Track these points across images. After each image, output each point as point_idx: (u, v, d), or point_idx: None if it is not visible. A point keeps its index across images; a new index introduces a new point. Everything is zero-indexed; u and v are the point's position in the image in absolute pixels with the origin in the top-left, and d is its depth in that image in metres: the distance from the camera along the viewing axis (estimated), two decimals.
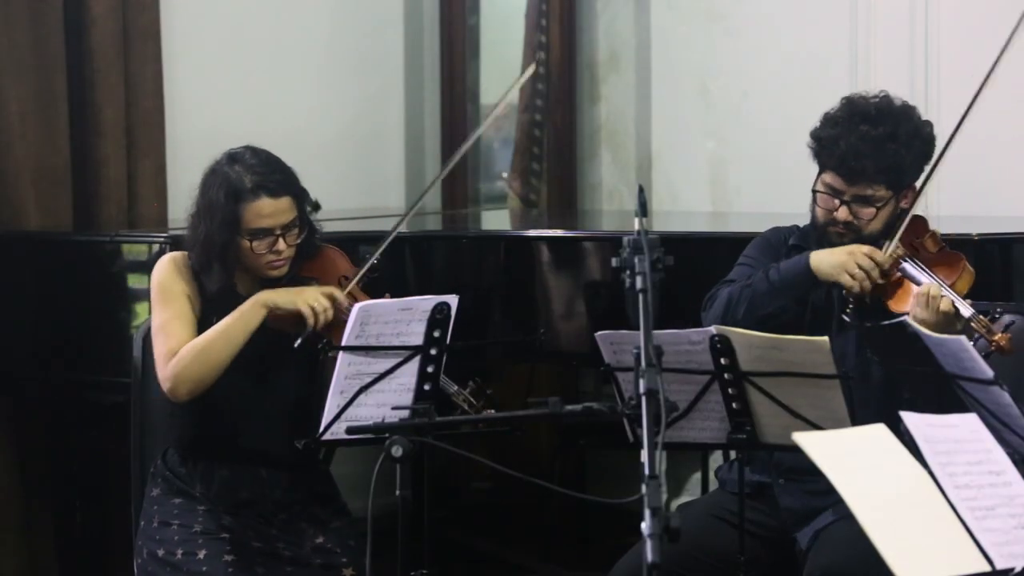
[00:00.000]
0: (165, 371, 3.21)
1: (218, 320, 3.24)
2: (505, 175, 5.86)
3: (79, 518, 4.51)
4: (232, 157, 3.27)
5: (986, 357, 2.96)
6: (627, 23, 5.60)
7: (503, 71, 5.88)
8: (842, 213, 3.24)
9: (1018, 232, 3.83)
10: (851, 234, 3.24)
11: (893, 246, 3.20)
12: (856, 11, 4.90)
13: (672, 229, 4.46)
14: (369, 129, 5.67)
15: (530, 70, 3.43)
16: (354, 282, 3.31)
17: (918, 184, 3.29)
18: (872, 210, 3.23)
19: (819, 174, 3.30)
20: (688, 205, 5.43)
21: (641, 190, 2.46)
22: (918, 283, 3.14)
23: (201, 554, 3.18)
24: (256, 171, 3.24)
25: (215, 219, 3.22)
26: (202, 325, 3.26)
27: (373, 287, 3.39)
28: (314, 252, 3.38)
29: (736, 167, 5.29)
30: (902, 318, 2.89)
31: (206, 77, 5.12)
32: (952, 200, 4.63)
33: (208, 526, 3.23)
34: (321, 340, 3.10)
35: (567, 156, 5.70)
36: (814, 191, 3.30)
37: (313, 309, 3.15)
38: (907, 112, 3.27)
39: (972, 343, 2.98)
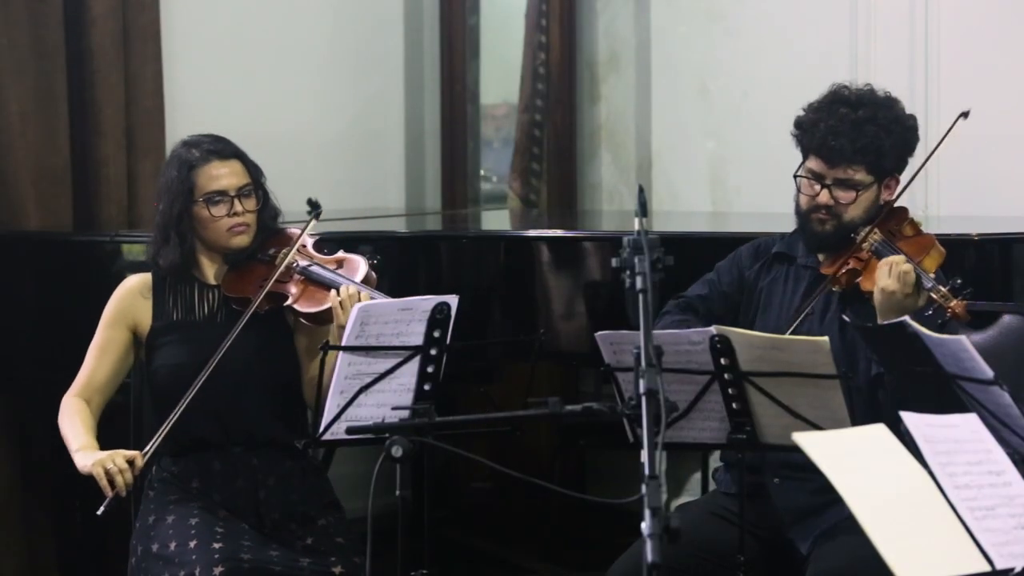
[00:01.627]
0: (63, 401, 3.37)
1: (179, 310, 3.37)
2: (495, 177, 5.87)
3: (79, 518, 4.51)
4: (185, 142, 3.44)
5: (942, 326, 3.00)
6: (627, 23, 5.60)
7: (503, 71, 5.88)
8: (823, 196, 3.25)
9: (1018, 232, 3.83)
10: (832, 220, 3.26)
11: (869, 230, 3.22)
12: (856, 11, 4.90)
13: (672, 229, 4.46)
14: (369, 129, 5.67)
15: None
16: (299, 237, 3.38)
17: (903, 177, 3.29)
18: (852, 194, 3.24)
19: (802, 163, 3.32)
20: (688, 205, 5.43)
21: (641, 190, 2.46)
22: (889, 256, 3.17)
23: (192, 544, 3.19)
24: (204, 141, 3.41)
25: (171, 193, 3.36)
26: (153, 337, 3.36)
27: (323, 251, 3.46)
28: (278, 232, 3.46)
29: (736, 167, 5.29)
30: (903, 318, 2.88)
31: (206, 77, 5.12)
32: (952, 200, 4.64)
33: (203, 520, 3.24)
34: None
35: (567, 156, 5.70)
36: (796, 176, 3.31)
37: (107, 470, 3.15)
38: (889, 101, 3.30)
39: (930, 312, 3.04)
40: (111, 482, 3.15)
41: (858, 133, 3.21)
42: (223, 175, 3.36)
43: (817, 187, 3.26)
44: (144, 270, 3.47)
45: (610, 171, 5.71)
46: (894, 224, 3.28)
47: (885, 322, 2.99)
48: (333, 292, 3.27)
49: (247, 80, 5.26)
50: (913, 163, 3.34)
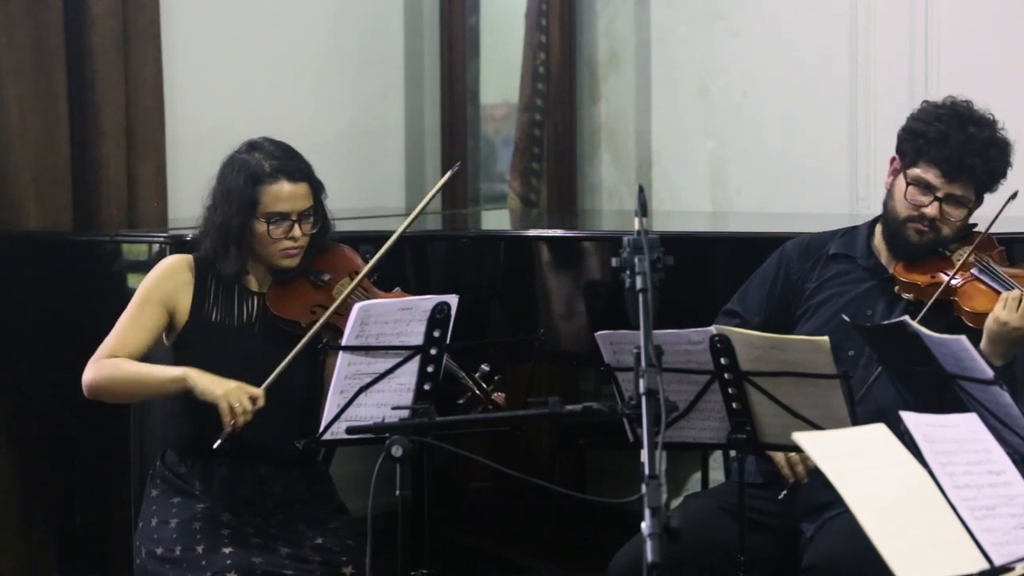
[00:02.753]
0: (91, 365, 3.25)
1: (218, 311, 3.28)
2: (495, 177, 5.87)
3: (79, 518, 4.51)
4: (251, 145, 3.33)
5: None
6: (627, 23, 5.60)
7: (503, 71, 5.88)
8: (932, 209, 3.22)
9: (1018, 232, 3.83)
10: (931, 233, 3.24)
11: (970, 252, 3.21)
12: (856, 11, 4.90)
13: (672, 229, 4.46)
14: (369, 129, 5.67)
15: (452, 171, 3.47)
16: (361, 275, 3.30)
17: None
18: (963, 211, 3.23)
19: (906, 167, 3.27)
20: (688, 205, 5.43)
21: (641, 190, 2.46)
22: (997, 287, 3.15)
23: (199, 548, 3.19)
24: (275, 156, 3.30)
25: (233, 203, 3.26)
26: (188, 332, 3.28)
27: (380, 284, 3.41)
28: (326, 247, 3.40)
29: (736, 167, 5.29)
30: (902, 318, 2.88)
31: (206, 77, 5.12)
32: None
33: (207, 523, 3.24)
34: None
35: (567, 156, 5.70)
36: (905, 181, 3.25)
37: (232, 408, 3.12)
38: (995, 123, 3.28)
39: None
40: (234, 420, 3.11)
41: (987, 156, 3.20)
42: (289, 197, 3.27)
43: (927, 198, 3.22)
44: (142, 270, 3.42)
45: (610, 171, 5.71)
46: (986, 249, 3.26)
47: (891, 320, 2.97)
48: None
49: (247, 80, 5.26)
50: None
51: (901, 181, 3.27)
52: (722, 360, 2.91)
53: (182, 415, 3.30)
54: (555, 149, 5.67)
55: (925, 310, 3.11)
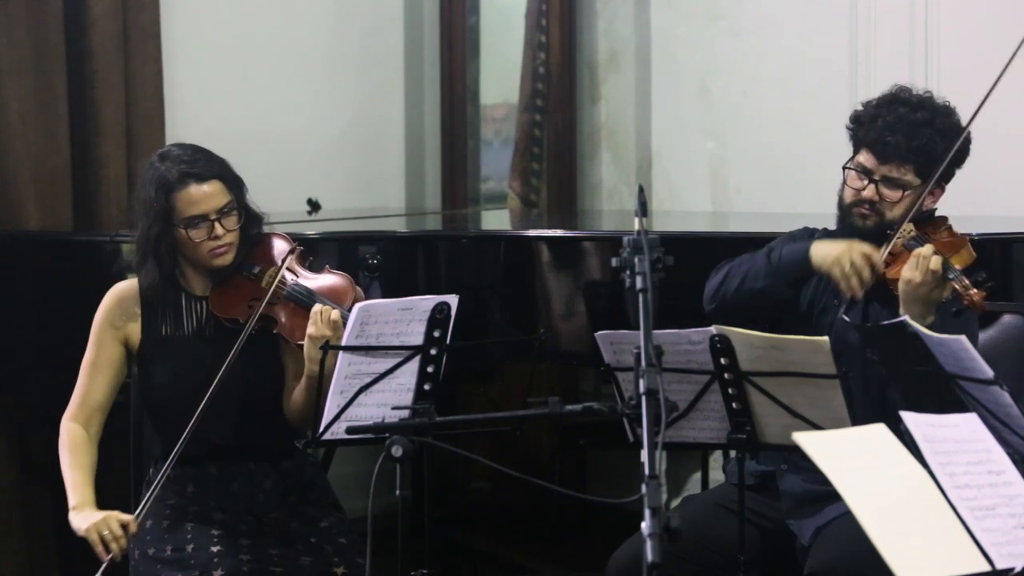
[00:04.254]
0: (61, 425, 3.35)
1: (167, 324, 3.34)
2: (495, 177, 5.87)
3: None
4: (161, 155, 3.35)
5: (957, 314, 3.05)
6: (627, 23, 5.60)
7: (503, 71, 5.88)
8: (869, 191, 3.26)
9: (1018, 232, 3.83)
10: (874, 216, 3.26)
11: (904, 227, 3.22)
12: (856, 11, 4.89)
13: (672, 229, 4.46)
14: (369, 129, 5.67)
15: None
16: (282, 264, 3.33)
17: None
18: (898, 193, 3.24)
19: (852, 156, 3.32)
20: (688, 205, 5.43)
21: (641, 190, 2.46)
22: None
23: (189, 548, 3.21)
24: (182, 160, 3.30)
25: (149, 215, 3.29)
26: (144, 352, 3.34)
27: (314, 268, 3.43)
28: (260, 239, 3.41)
29: (736, 167, 5.29)
30: (902, 318, 2.89)
31: (206, 77, 5.12)
32: (952, 200, 4.62)
33: (198, 522, 3.26)
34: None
35: (567, 156, 5.70)
36: (844, 168, 3.31)
37: (102, 538, 3.16)
38: (948, 110, 3.30)
39: (948, 299, 3.05)
40: (107, 549, 3.15)
41: (914, 133, 3.22)
42: (201, 199, 3.27)
43: (864, 181, 3.27)
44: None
45: (610, 171, 5.71)
46: (931, 227, 3.27)
47: (891, 320, 2.98)
48: (313, 311, 3.19)
49: (247, 80, 5.26)
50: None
51: (846, 169, 3.31)
52: (722, 360, 2.91)
53: (165, 429, 3.35)
54: (555, 149, 5.67)
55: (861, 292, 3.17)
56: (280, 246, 3.41)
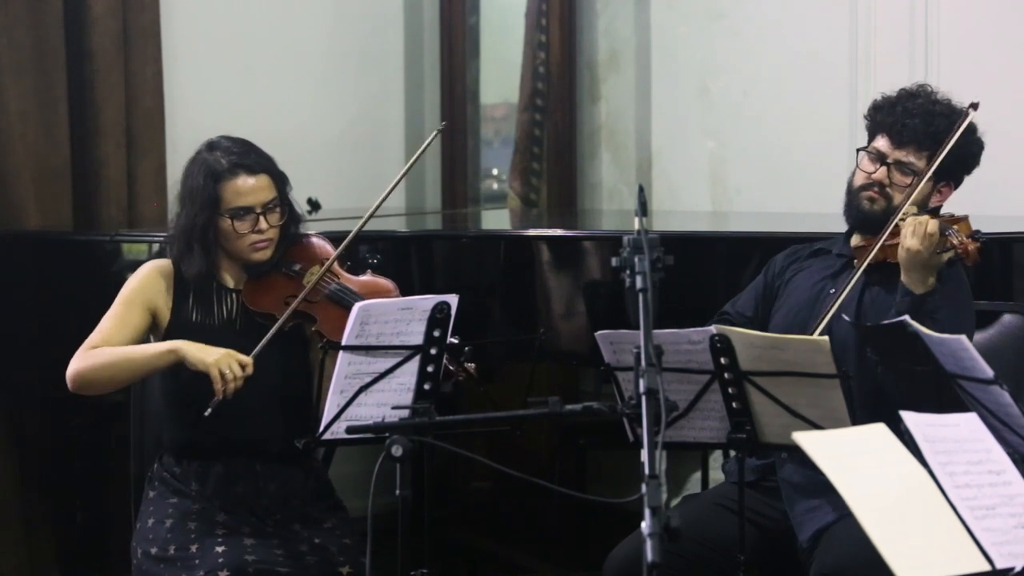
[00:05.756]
0: (75, 359, 3.25)
1: (197, 311, 3.30)
2: (495, 177, 5.87)
3: (79, 518, 4.51)
4: (210, 144, 3.35)
5: (949, 264, 3.08)
6: (627, 22, 5.60)
7: (503, 71, 5.89)
8: (880, 173, 3.29)
9: (1018, 232, 3.83)
10: (882, 200, 3.29)
11: (906, 211, 3.23)
12: (856, 11, 4.90)
13: (672, 229, 4.46)
14: (369, 129, 5.67)
15: (438, 131, 3.56)
16: (330, 261, 3.32)
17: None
18: (909, 178, 3.27)
19: (868, 143, 3.36)
20: (688, 205, 5.43)
21: (641, 190, 2.46)
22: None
23: (193, 547, 3.20)
24: (233, 151, 3.31)
25: (196, 203, 3.28)
26: (172, 335, 3.28)
27: (353, 271, 3.45)
28: (298, 239, 3.41)
29: (736, 167, 5.29)
30: (902, 318, 2.88)
31: (206, 77, 5.12)
32: (952, 200, 4.63)
33: (202, 522, 3.24)
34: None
35: (567, 156, 5.70)
36: (859, 151, 3.35)
37: (222, 374, 3.14)
38: (956, 110, 3.33)
39: (944, 251, 3.06)
40: (225, 386, 3.13)
41: (931, 121, 3.28)
42: (250, 190, 3.27)
43: (877, 164, 3.30)
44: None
45: (610, 171, 5.71)
46: (931, 213, 3.29)
47: (891, 320, 2.98)
48: None
49: (247, 80, 5.26)
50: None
51: (862, 156, 3.35)
52: (722, 360, 2.91)
53: (175, 419, 3.32)
54: (555, 149, 5.68)
55: (861, 269, 3.19)
56: (321, 246, 3.42)
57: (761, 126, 5.19)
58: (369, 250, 4.01)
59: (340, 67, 5.56)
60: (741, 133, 5.25)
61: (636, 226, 2.38)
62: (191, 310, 3.33)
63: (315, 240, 3.44)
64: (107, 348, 3.24)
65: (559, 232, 4.21)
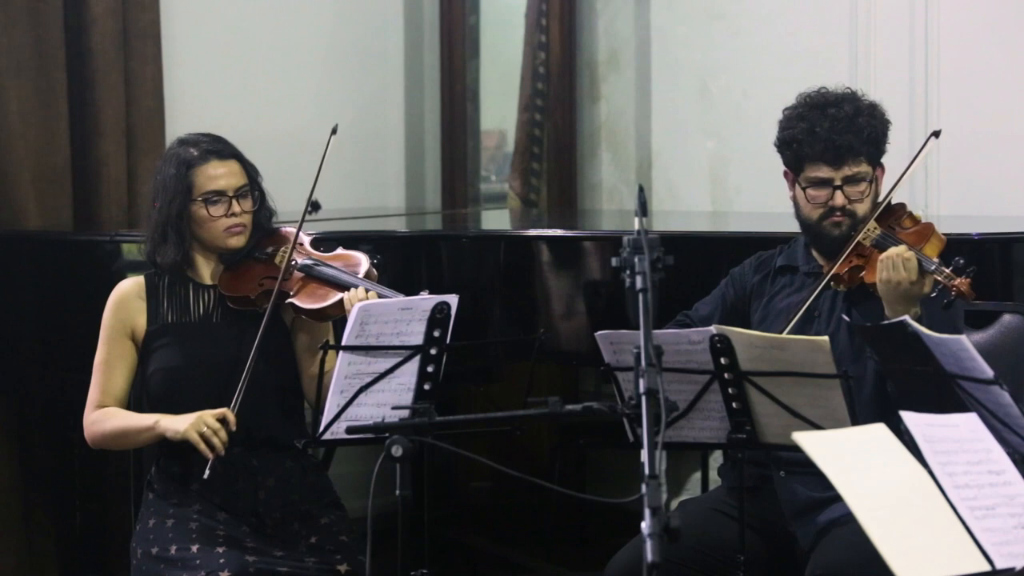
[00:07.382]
0: (86, 421, 3.37)
1: (173, 313, 3.37)
2: (495, 177, 5.87)
3: (79, 518, 4.51)
4: (180, 140, 3.45)
5: (948, 306, 3.06)
6: (627, 22, 5.60)
7: (503, 71, 5.89)
8: (838, 198, 3.27)
9: (1018, 232, 3.83)
10: (847, 219, 3.27)
11: (867, 225, 3.24)
12: (856, 11, 4.89)
13: (672, 229, 4.46)
14: (369, 129, 5.67)
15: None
16: (295, 236, 3.40)
17: (882, 178, 3.33)
18: (862, 186, 3.27)
19: (797, 176, 3.32)
20: (688, 205, 5.43)
21: (641, 190, 2.46)
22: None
23: (194, 548, 3.20)
24: (202, 141, 3.42)
25: (169, 191, 3.36)
26: (148, 340, 3.36)
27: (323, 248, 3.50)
28: (272, 231, 3.48)
29: (736, 167, 5.29)
30: (902, 318, 2.88)
31: (206, 77, 5.12)
32: (952, 200, 4.63)
33: (202, 522, 3.25)
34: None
35: (567, 156, 5.70)
36: (801, 187, 3.31)
37: (201, 435, 3.17)
38: (854, 95, 3.33)
39: (935, 294, 3.06)
40: (210, 446, 3.17)
41: (856, 127, 3.25)
42: (221, 175, 3.36)
43: (827, 191, 3.27)
44: (142, 270, 3.47)
45: (610, 171, 5.71)
46: (893, 219, 3.30)
47: (891, 320, 2.98)
48: (344, 295, 3.27)
49: (247, 80, 5.26)
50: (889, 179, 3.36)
51: (799, 189, 3.31)
52: (722, 360, 2.91)
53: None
54: (555, 149, 5.68)
55: (842, 299, 3.20)
56: (290, 231, 3.48)
57: (761, 126, 5.17)
58: (370, 250, 4.01)
59: (340, 67, 5.56)
60: (741, 133, 5.25)
61: (636, 226, 2.38)
62: (166, 313, 3.38)
63: (285, 228, 3.51)
64: (105, 418, 3.33)
65: (559, 232, 4.21)
